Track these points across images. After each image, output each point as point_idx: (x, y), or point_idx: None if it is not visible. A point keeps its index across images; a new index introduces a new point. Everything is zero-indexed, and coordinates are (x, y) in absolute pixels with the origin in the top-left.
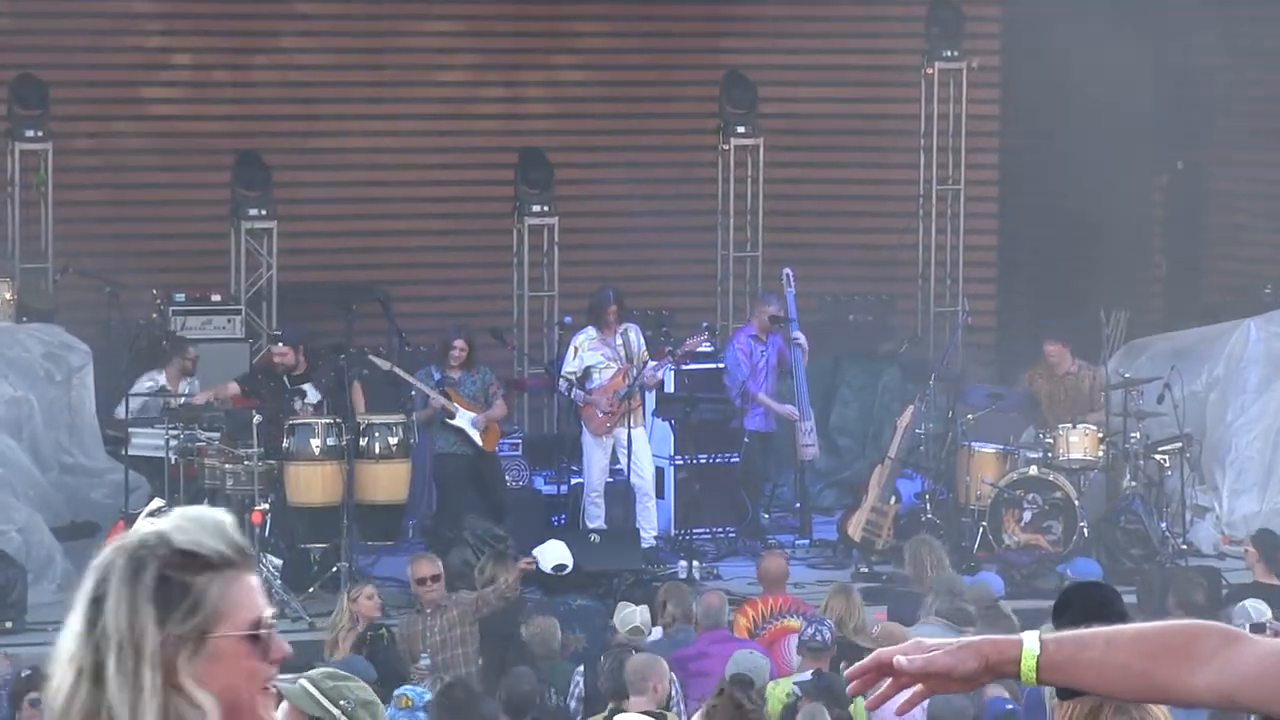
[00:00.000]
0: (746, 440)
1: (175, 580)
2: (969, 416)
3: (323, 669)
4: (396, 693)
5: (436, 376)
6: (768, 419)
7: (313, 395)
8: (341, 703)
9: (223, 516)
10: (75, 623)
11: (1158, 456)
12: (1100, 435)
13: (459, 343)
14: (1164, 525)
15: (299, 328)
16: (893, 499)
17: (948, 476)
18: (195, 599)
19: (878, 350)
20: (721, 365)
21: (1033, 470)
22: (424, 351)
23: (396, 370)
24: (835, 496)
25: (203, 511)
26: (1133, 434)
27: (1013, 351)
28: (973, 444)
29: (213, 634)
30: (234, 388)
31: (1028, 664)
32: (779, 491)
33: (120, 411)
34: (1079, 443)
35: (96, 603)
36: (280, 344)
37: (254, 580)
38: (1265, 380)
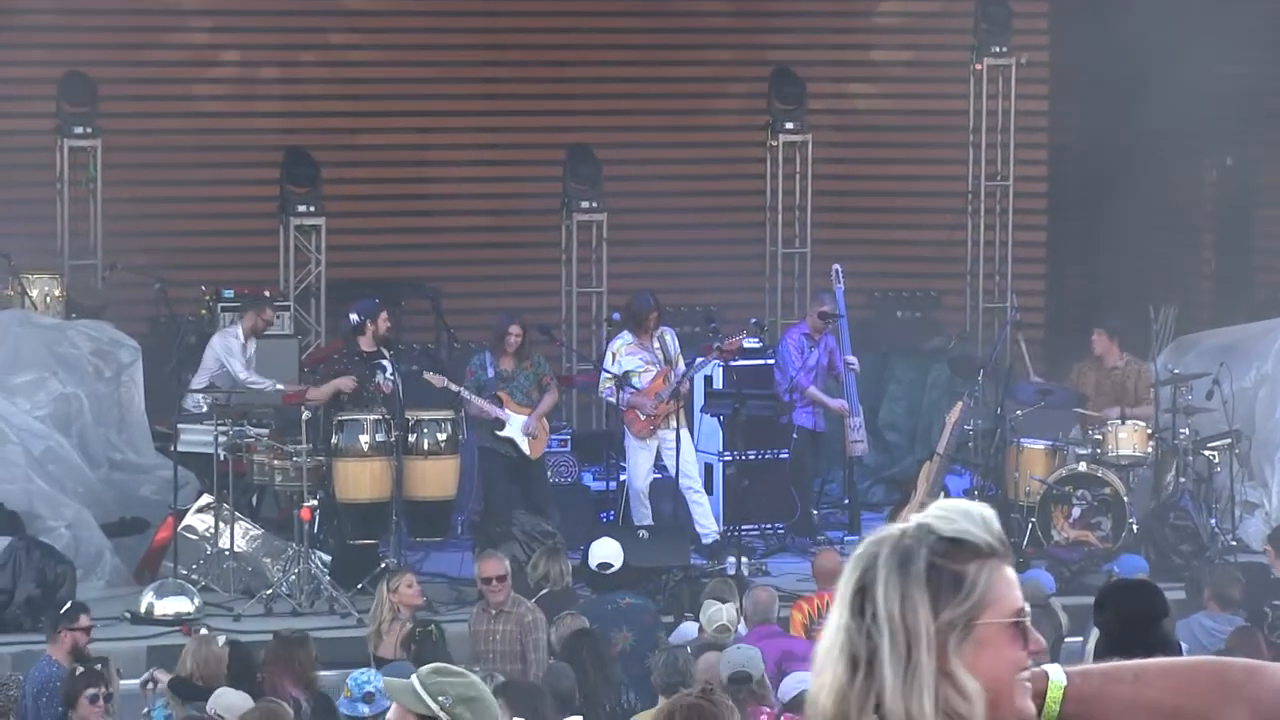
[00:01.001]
0: (795, 436)
1: (945, 568)
2: (1017, 412)
3: (433, 665)
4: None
5: (490, 370)
6: (816, 416)
7: (390, 370)
8: (440, 698)
9: (985, 509)
10: (839, 615)
11: (1207, 453)
12: (1149, 431)
13: (514, 328)
14: (1213, 521)
15: (369, 301)
16: (941, 495)
17: (996, 473)
18: (966, 586)
19: (926, 346)
20: (770, 361)
21: (1082, 466)
22: (471, 346)
23: (451, 386)
24: (884, 493)
25: (965, 503)
26: (1182, 430)
27: (1062, 347)
28: (1021, 440)
29: (979, 621)
30: (346, 382)
31: (1053, 695)
32: (828, 488)
33: (197, 381)
34: (1128, 439)
35: (861, 592)
36: (357, 316)
37: (1012, 571)
38: None
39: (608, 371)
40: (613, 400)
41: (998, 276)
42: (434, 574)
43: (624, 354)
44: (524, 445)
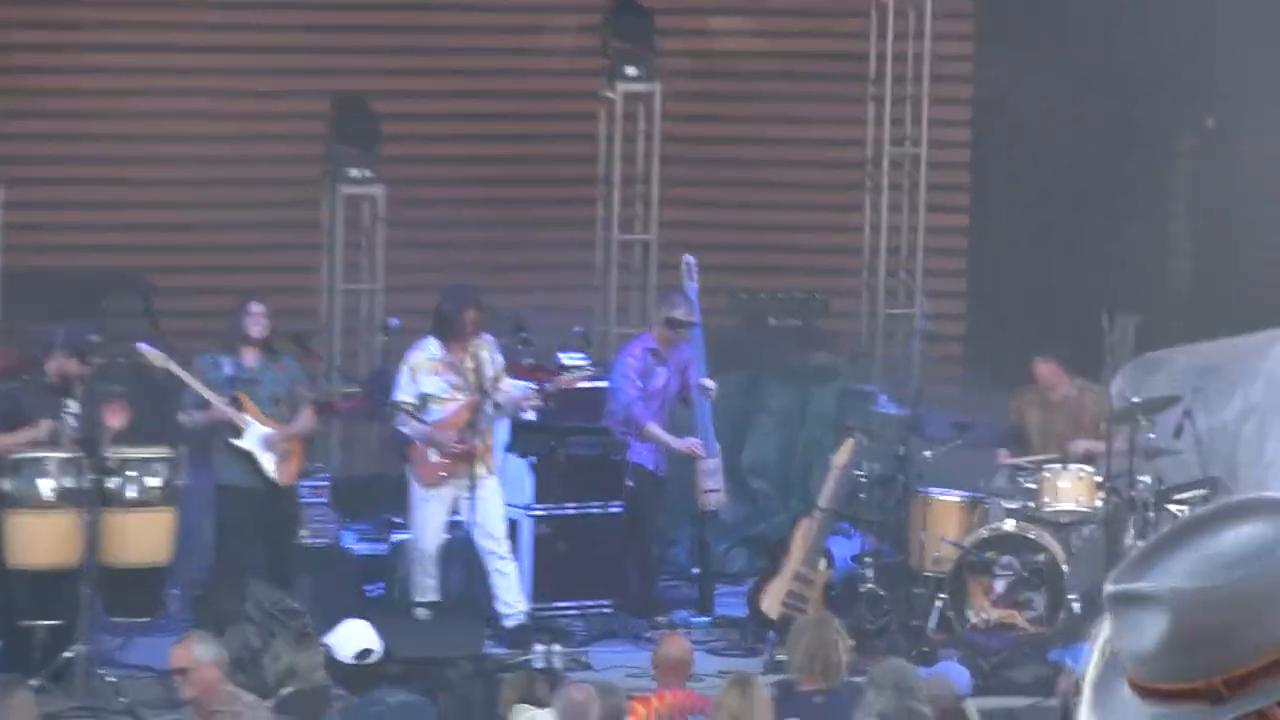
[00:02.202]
0: (630, 484)
1: None
2: (926, 454)
3: None
4: None
5: (227, 369)
6: (659, 456)
7: (74, 406)
8: None
9: None
10: None
11: (1174, 507)
12: (1098, 479)
13: (255, 307)
14: None
15: (79, 326)
16: (822, 563)
17: (897, 533)
18: None
19: (807, 365)
20: (601, 384)
21: (1009, 525)
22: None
23: (171, 366)
24: (747, 559)
25: None
26: (1141, 478)
27: (986, 368)
28: (930, 490)
29: None
30: (38, 431)
31: None
32: (672, 552)
33: None
34: (1070, 489)
35: None
36: (56, 349)
37: None
38: None
39: (400, 395)
40: (407, 432)
41: (904, 273)
42: (137, 666)
43: (426, 371)
44: (268, 465)
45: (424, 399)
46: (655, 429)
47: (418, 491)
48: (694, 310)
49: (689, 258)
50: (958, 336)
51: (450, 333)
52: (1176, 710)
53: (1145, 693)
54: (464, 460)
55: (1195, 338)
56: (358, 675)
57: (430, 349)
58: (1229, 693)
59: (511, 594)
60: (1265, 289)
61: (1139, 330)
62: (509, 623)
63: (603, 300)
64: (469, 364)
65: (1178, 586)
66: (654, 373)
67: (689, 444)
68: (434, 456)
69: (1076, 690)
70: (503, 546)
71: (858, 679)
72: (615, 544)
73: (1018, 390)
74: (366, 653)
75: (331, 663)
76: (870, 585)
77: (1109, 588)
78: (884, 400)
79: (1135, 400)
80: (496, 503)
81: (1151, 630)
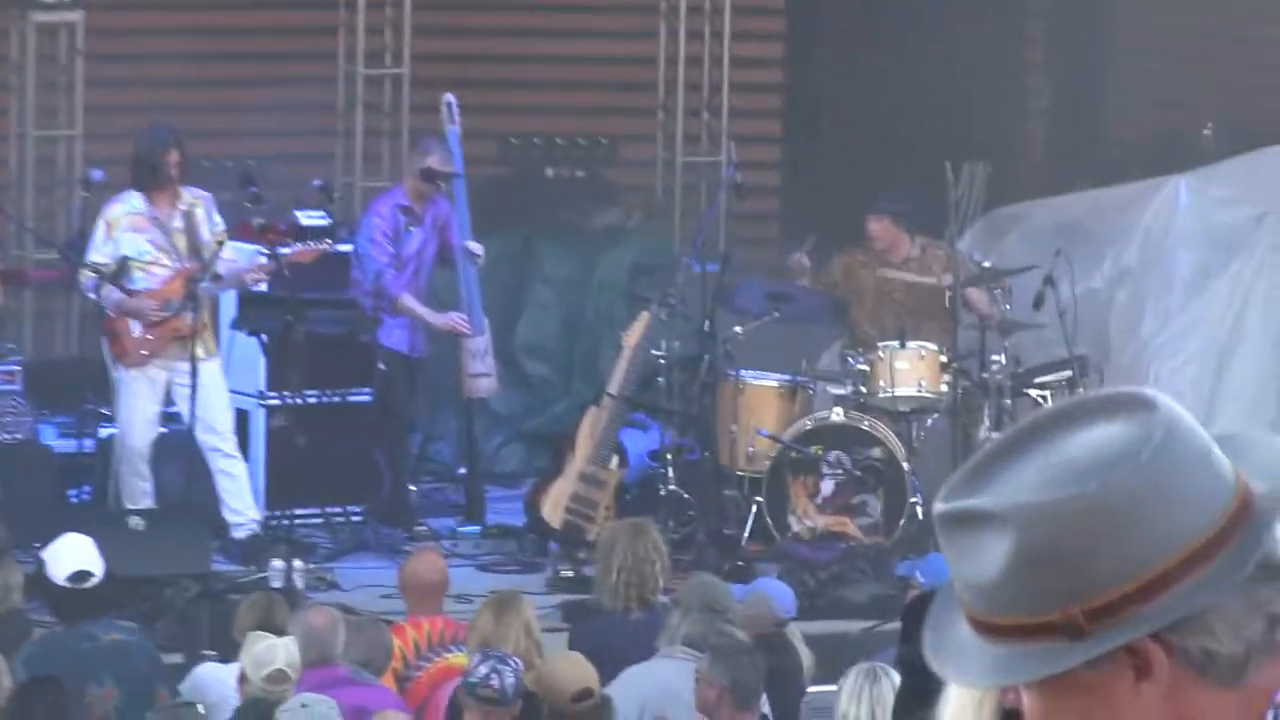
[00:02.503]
0: (383, 367)
1: None
2: (737, 330)
3: None
4: None
5: None
6: (415, 334)
7: None
8: None
9: None
10: None
11: (1034, 393)
12: (943, 358)
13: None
14: None
15: None
16: (614, 461)
17: (702, 425)
18: None
19: (592, 224)
20: (346, 248)
21: (837, 415)
22: None
23: None
24: (524, 457)
25: None
26: (994, 357)
27: (806, 226)
28: (742, 374)
29: None
30: None
31: None
32: (434, 449)
33: None
34: (910, 371)
35: None
36: None
37: None
38: (1202, 270)
39: (94, 257)
40: (94, 298)
41: (706, 113)
42: None
43: (125, 228)
44: None
45: (124, 263)
46: (410, 302)
47: (120, 375)
48: (455, 159)
49: (449, 96)
50: (772, 189)
51: (152, 181)
52: (1027, 649)
53: (989, 630)
54: (169, 335)
55: (1057, 189)
56: (69, 601)
57: (131, 202)
58: (1090, 625)
59: (241, 500)
60: (1138, 133)
61: (990, 182)
62: (239, 533)
63: (345, 147)
64: (177, 223)
65: (1022, 501)
66: (407, 235)
67: (451, 320)
68: (136, 330)
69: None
70: (229, 443)
71: (661, 598)
72: (365, 440)
73: (846, 251)
74: (83, 575)
75: (38, 582)
76: (672, 487)
77: (939, 506)
78: (685, 266)
79: (986, 264)
80: (220, 390)
81: (993, 555)
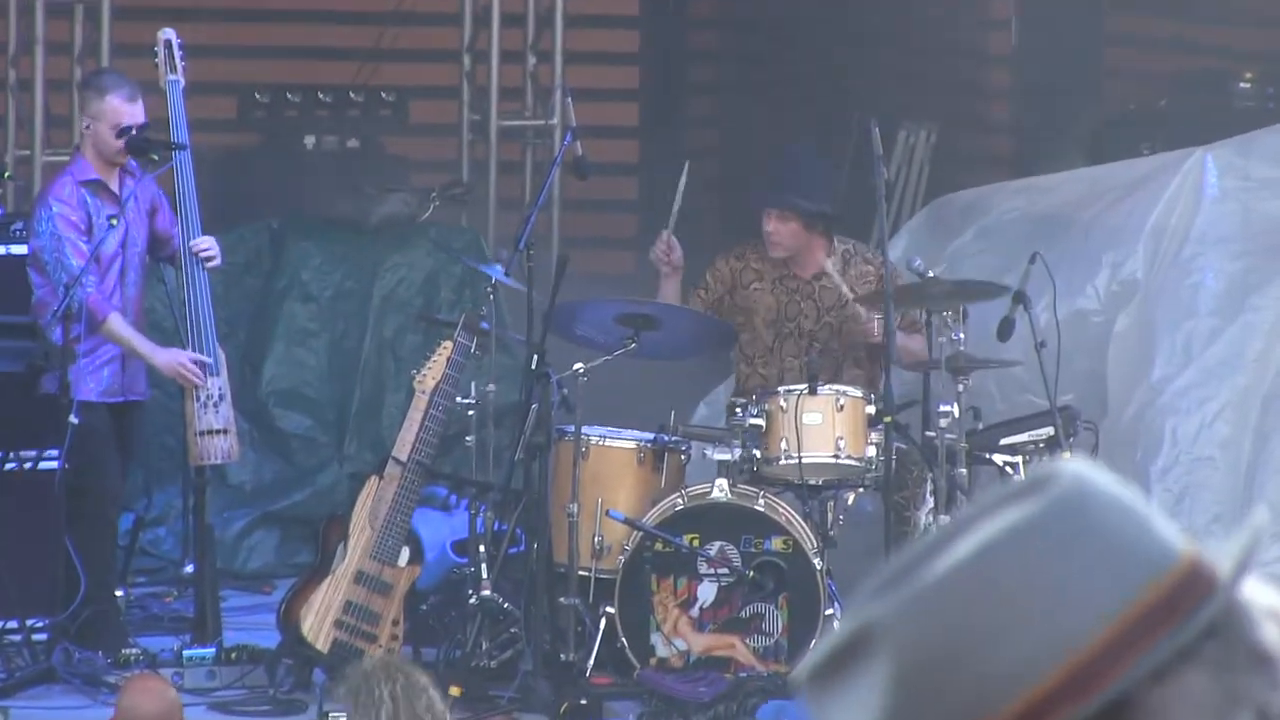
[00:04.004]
0: (76, 421)
1: None
2: (578, 368)
3: None
4: None
5: None
6: (130, 374)
7: None
8: None
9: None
10: None
11: (1000, 458)
12: (871, 409)
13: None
14: None
15: None
16: (404, 555)
17: (530, 505)
18: None
19: (370, 215)
20: (20, 249)
21: (720, 490)
22: None
23: None
24: (276, 548)
25: None
26: (944, 406)
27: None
28: (587, 431)
29: None
30: None
31: None
32: (150, 537)
33: None
34: (824, 427)
35: None
36: None
37: None
38: (1238, 283)
39: None
40: None
41: (532, 57)
42: None
43: None
44: None
45: None
46: (120, 325)
47: None
48: (178, 124)
49: (168, 33)
50: (630, 167)
51: None
52: None
53: None
54: None
55: (1028, 168)
56: None
57: None
58: None
59: None
60: (1135, 81)
61: (937, 154)
62: None
63: (19, 106)
64: None
65: (891, 615)
66: (105, 226)
67: (179, 363)
68: None
69: None
70: None
71: None
72: (49, 523)
73: (735, 253)
74: None
75: None
76: (486, 594)
77: (798, 675)
78: (501, 271)
79: (932, 274)
80: None
81: (869, 700)
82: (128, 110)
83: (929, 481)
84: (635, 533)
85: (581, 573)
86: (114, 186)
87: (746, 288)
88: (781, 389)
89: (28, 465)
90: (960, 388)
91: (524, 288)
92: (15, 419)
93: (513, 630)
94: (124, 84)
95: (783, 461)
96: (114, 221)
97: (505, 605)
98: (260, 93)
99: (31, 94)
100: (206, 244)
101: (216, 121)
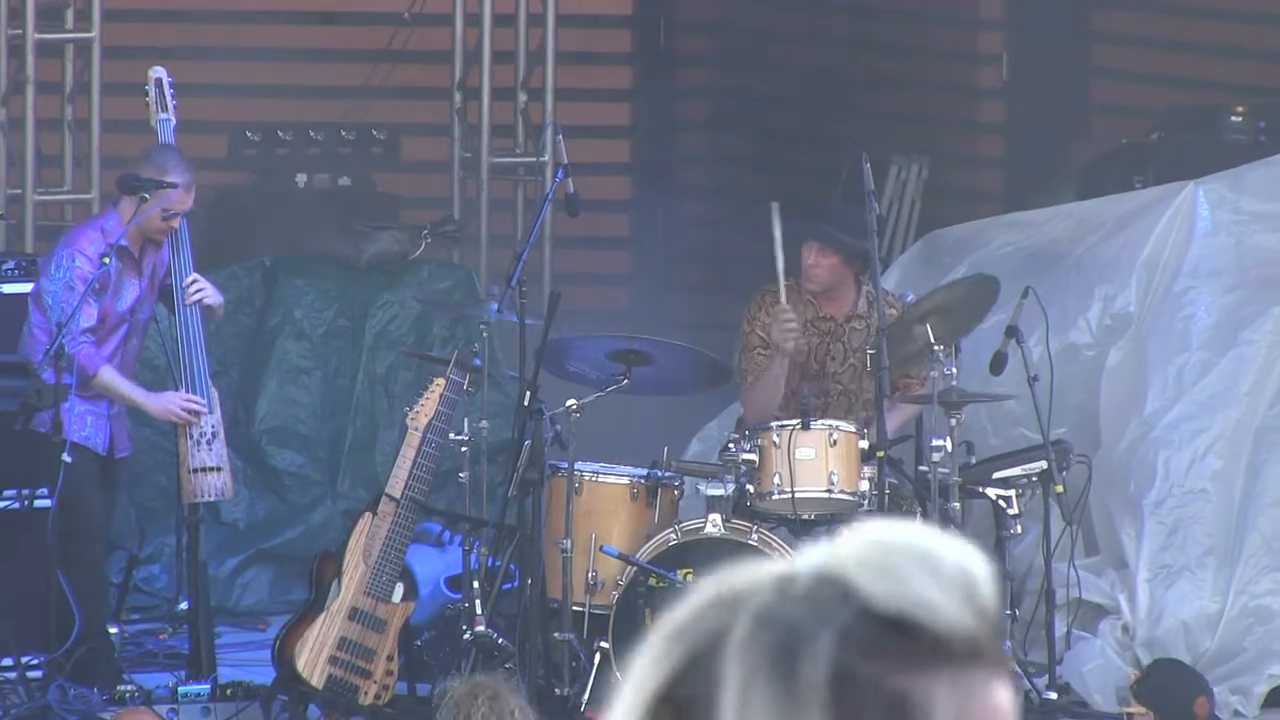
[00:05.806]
0: (69, 459)
1: (872, 682)
2: (571, 404)
3: None
4: None
5: None
6: (113, 420)
7: None
8: None
9: (963, 551)
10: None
11: (993, 492)
12: (864, 444)
13: None
14: (1005, 647)
15: None
16: (398, 592)
17: (524, 540)
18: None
19: (363, 248)
20: (24, 288)
21: (714, 525)
22: None
23: None
24: (270, 585)
25: (917, 536)
26: (936, 441)
27: (669, 259)
28: (580, 467)
29: None
30: None
31: None
32: (143, 575)
33: None
34: (817, 462)
35: (681, 711)
36: None
37: (1006, 695)
38: (1231, 317)
39: None
40: None
41: (523, 95)
42: None
43: None
44: None
45: None
46: (113, 377)
47: None
48: (175, 172)
49: (159, 71)
50: (620, 203)
51: None
52: None
53: None
54: None
55: (1022, 201)
56: None
57: None
58: None
59: None
60: (1132, 121)
61: (929, 188)
62: None
63: (9, 145)
64: None
65: None
66: (119, 285)
67: (171, 403)
68: None
69: None
70: None
71: None
72: (40, 562)
73: (762, 301)
74: None
75: None
76: (480, 629)
77: None
78: (496, 309)
79: (925, 305)
80: None
81: None
82: (185, 202)
83: (921, 516)
84: (629, 568)
85: (576, 608)
86: (136, 252)
87: (772, 329)
88: (774, 424)
89: (20, 505)
90: (953, 422)
91: (516, 317)
92: (8, 457)
93: (507, 665)
94: (186, 172)
95: (776, 496)
96: (105, 260)
97: (500, 640)
98: (251, 131)
99: (23, 133)
100: (202, 288)
101: (208, 160)
